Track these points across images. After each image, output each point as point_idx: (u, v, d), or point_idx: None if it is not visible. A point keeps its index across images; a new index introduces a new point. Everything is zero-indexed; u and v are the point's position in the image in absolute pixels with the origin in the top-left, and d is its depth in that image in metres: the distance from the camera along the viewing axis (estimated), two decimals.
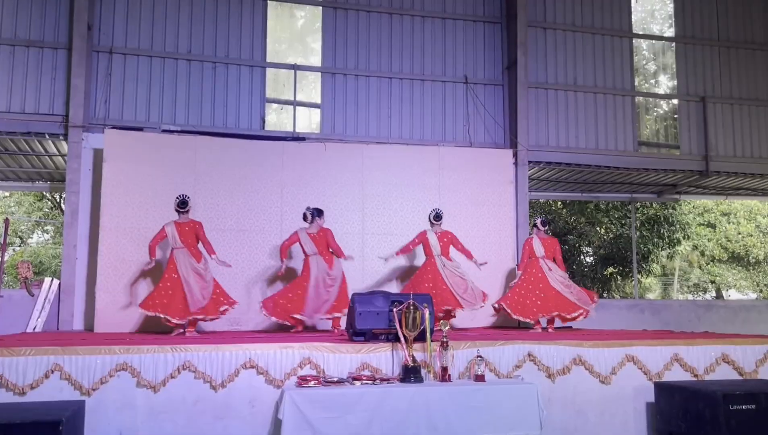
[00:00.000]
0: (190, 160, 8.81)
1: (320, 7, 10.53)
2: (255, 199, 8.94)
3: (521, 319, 8.11)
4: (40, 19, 9.35)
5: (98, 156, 8.91)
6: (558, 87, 11.04)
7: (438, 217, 8.34)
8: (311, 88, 10.61)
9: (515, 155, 10.30)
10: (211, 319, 7.33)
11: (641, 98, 11.80)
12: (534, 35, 10.97)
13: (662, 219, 16.90)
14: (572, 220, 17.55)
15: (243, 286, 8.65)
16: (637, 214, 16.33)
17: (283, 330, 7.81)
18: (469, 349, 5.30)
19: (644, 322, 10.61)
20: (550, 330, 7.73)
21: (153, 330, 7.80)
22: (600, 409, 5.47)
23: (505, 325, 9.06)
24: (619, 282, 18.17)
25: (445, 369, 5.04)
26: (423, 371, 5.05)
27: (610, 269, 17.76)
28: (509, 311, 7.97)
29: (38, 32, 9.34)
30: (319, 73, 10.43)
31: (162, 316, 7.10)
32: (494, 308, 8.28)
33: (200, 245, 7.47)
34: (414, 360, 4.99)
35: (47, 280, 8.85)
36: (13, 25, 9.28)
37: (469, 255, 8.34)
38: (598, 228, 17.51)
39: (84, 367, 4.73)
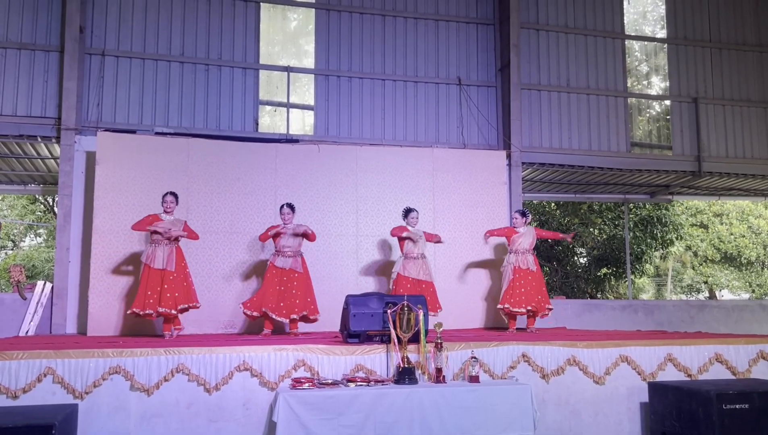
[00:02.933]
0: (183, 162, 8.78)
1: (313, 9, 10.52)
2: (248, 201, 8.91)
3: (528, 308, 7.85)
4: (31, 21, 9.30)
5: (91, 159, 8.87)
6: (551, 88, 11.06)
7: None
8: (304, 90, 10.60)
9: (508, 156, 10.31)
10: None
11: (634, 99, 11.84)
12: (527, 36, 11.00)
13: (655, 220, 16.94)
14: (566, 221, 17.57)
15: (235, 287, 8.64)
16: (630, 215, 16.37)
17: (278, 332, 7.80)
18: (463, 350, 5.31)
19: (638, 322, 10.64)
20: (531, 330, 7.73)
21: (146, 333, 7.77)
22: (594, 410, 5.49)
23: (499, 326, 9.08)
24: (612, 283, 18.21)
25: (439, 370, 5.04)
26: (417, 372, 5.05)
27: (604, 270, 17.81)
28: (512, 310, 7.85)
29: (30, 35, 9.29)
30: (313, 75, 10.41)
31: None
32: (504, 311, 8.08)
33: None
34: (408, 361, 4.99)
35: (40, 283, 8.82)
36: (5, 28, 9.22)
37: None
38: (591, 229, 17.54)
39: (77, 370, 4.72)
